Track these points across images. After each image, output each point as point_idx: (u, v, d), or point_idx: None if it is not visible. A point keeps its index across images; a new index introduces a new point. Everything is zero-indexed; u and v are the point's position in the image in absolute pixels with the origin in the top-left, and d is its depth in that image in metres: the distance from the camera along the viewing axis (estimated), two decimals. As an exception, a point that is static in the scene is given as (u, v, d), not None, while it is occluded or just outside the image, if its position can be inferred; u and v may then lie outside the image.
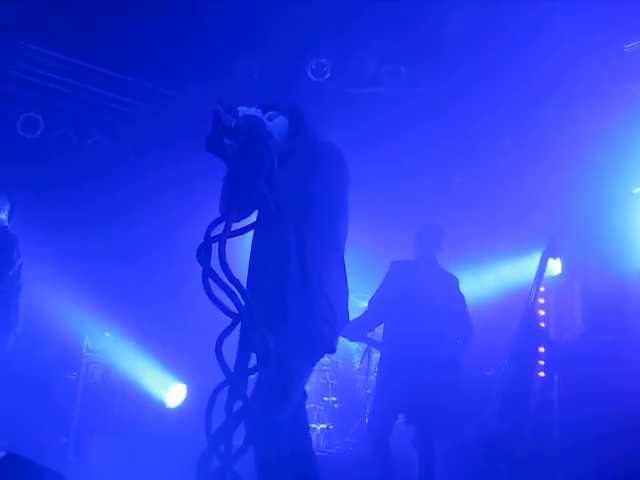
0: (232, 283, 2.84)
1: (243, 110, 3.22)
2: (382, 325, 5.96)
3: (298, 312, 3.20)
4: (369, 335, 6.19)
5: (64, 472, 3.57)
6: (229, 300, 2.89)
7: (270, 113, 3.43)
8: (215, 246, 2.90)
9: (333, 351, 3.39)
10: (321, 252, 3.29)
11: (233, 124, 3.16)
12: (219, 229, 2.98)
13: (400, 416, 5.75)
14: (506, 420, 5.81)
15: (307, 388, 7.20)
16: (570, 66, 6.80)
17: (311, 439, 3.48)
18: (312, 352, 3.28)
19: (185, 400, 7.75)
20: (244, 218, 3.24)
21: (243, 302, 2.85)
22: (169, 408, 7.72)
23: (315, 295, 3.22)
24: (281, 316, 3.19)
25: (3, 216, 5.95)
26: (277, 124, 3.45)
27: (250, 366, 3.06)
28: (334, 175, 3.39)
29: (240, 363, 3.02)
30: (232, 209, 3.01)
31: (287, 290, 3.21)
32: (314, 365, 3.40)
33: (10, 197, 6.02)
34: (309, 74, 7.44)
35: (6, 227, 5.95)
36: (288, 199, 3.19)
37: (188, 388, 7.77)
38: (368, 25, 7.03)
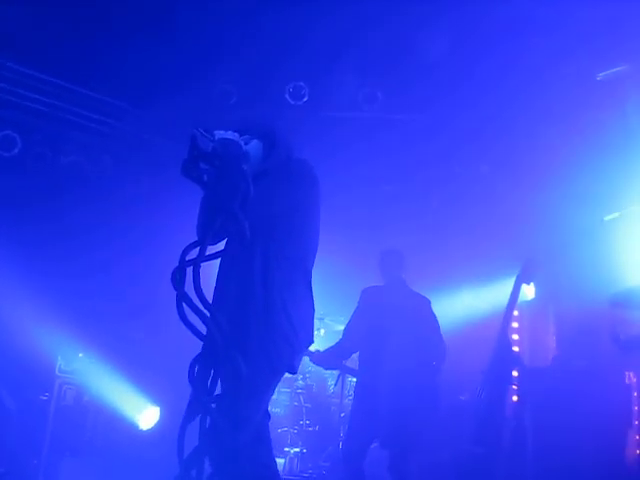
0: (206, 308, 2.84)
1: (220, 134, 3.22)
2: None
3: (258, 332, 3.18)
4: (344, 362, 6.19)
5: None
6: (202, 324, 2.90)
7: (244, 137, 3.42)
8: (190, 270, 2.92)
9: (293, 371, 3.37)
10: (286, 271, 3.29)
11: (210, 148, 3.17)
12: (194, 253, 2.99)
13: (375, 441, 5.74)
14: (480, 445, 5.81)
15: (279, 411, 7.19)
16: (544, 94, 6.89)
17: (275, 460, 3.44)
18: (271, 372, 3.25)
19: (158, 423, 7.68)
20: (219, 242, 3.24)
21: (217, 327, 2.85)
22: (142, 430, 7.64)
23: (276, 314, 3.21)
24: (242, 336, 3.16)
25: None
26: (251, 148, 3.44)
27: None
28: (304, 192, 3.40)
29: (212, 387, 3.00)
30: (207, 233, 3.02)
31: (249, 310, 3.21)
32: (274, 385, 3.35)
33: None
34: (287, 97, 7.48)
35: None
36: (257, 217, 3.18)
37: (161, 410, 7.70)
38: (347, 49, 7.09)
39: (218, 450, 3.00)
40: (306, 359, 6.02)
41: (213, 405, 2.98)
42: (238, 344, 3.06)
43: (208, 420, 2.94)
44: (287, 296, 3.26)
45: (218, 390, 3.06)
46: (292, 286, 3.31)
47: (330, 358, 5.97)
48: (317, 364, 6.16)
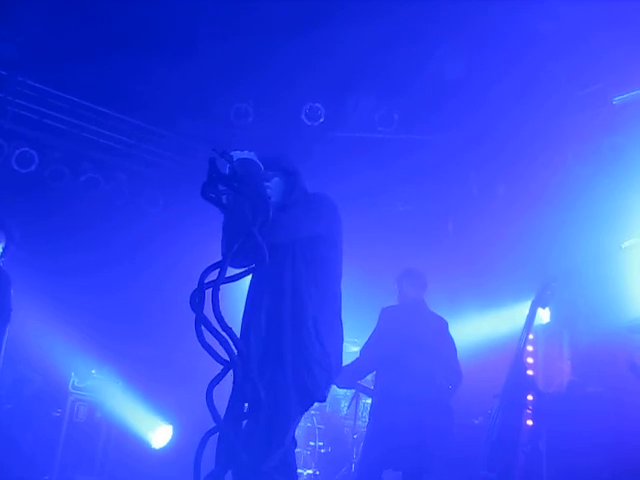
0: (224, 331, 2.83)
1: (237, 154, 3.23)
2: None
3: (293, 359, 3.19)
4: (359, 382, 6.14)
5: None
6: (221, 347, 2.89)
7: (268, 173, 3.46)
8: (209, 292, 2.91)
9: (324, 399, 3.37)
10: (315, 298, 3.31)
11: (227, 170, 3.17)
12: (213, 275, 2.97)
13: (389, 463, 5.67)
14: (494, 469, 5.75)
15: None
16: (561, 117, 6.91)
17: None
18: (306, 399, 3.26)
19: (171, 441, 7.66)
20: (241, 264, 3.23)
21: (235, 351, 2.84)
22: (154, 449, 7.62)
23: (310, 342, 3.22)
24: (277, 362, 3.18)
25: None
26: (274, 185, 3.49)
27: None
28: (329, 223, 3.46)
29: (232, 410, 2.98)
30: (226, 256, 3.01)
31: (283, 336, 3.21)
32: (304, 412, 3.37)
33: (7, 233, 5.93)
34: (303, 118, 7.52)
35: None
36: (284, 244, 3.25)
37: (174, 429, 7.68)
38: (363, 71, 7.13)
39: (238, 477, 2.98)
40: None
41: (232, 429, 2.96)
42: (272, 370, 3.12)
43: (226, 444, 2.91)
44: (320, 323, 3.28)
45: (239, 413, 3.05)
46: (324, 313, 3.33)
47: (345, 376, 5.88)
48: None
